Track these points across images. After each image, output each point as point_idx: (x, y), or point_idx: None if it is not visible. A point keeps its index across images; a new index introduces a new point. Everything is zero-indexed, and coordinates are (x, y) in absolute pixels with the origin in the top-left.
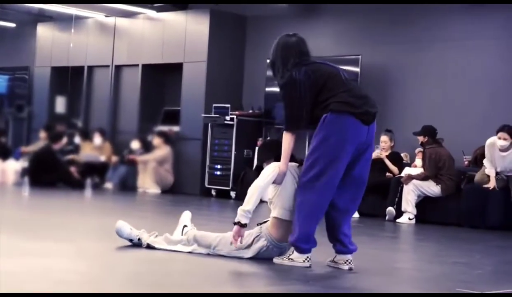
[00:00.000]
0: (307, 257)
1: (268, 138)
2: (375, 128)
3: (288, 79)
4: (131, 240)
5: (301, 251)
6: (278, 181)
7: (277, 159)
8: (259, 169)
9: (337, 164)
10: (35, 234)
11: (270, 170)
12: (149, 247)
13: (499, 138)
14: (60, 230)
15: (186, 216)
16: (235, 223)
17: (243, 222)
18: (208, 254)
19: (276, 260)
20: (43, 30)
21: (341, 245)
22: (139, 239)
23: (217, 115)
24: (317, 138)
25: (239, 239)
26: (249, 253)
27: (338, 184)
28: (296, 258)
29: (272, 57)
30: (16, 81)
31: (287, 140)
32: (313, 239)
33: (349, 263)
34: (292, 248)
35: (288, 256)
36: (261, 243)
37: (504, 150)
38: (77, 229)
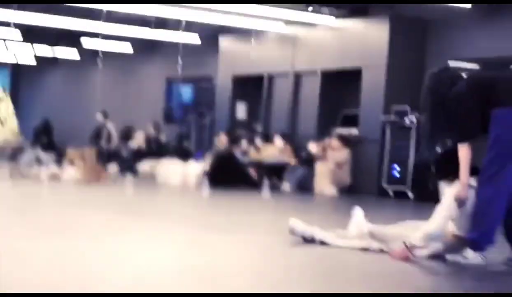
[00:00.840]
0: (482, 255)
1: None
2: None
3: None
4: (304, 238)
5: (476, 248)
6: (461, 202)
7: (457, 171)
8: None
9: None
10: (213, 229)
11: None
12: (322, 243)
13: None
14: (238, 226)
15: (358, 213)
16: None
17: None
18: (382, 250)
19: (449, 257)
20: (225, 42)
21: None
22: (312, 237)
23: (397, 117)
24: (491, 137)
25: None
26: (424, 252)
27: None
28: (471, 256)
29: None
30: (200, 91)
31: (463, 153)
32: (492, 238)
33: None
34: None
35: (464, 254)
36: (438, 244)
37: None
38: (255, 225)
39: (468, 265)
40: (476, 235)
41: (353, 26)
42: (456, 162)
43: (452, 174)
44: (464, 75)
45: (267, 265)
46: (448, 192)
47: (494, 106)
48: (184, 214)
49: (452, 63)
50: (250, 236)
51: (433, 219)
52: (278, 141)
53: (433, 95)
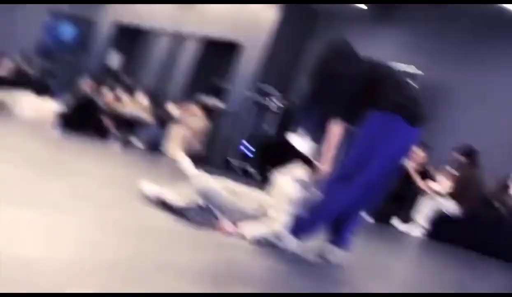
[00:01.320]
0: (306, 244)
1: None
2: (419, 134)
3: (346, 72)
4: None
5: (297, 230)
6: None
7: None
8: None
9: (374, 162)
10: (54, 175)
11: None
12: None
13: None
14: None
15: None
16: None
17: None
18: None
19: (270, 239)
20: None
21: (339, 237)
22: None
23: (262, 97)
24: (360, 134)
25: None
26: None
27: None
28: (290, 240)
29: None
30: (81, 32)
31: (336, 131)
32: (314, 230)
33: (337, 256)
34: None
35: (284, 235)
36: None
37: None
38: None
39: (286, 250)
40: (304, 219)
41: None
42: (281, 152)
43: (278, 163)
44: (360, 57)
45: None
46: (282, 180)
47: (376, 102)
48: (28, 151)
49: None
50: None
51: (275, 216)
52: (141, 97)
53: (326, 64)
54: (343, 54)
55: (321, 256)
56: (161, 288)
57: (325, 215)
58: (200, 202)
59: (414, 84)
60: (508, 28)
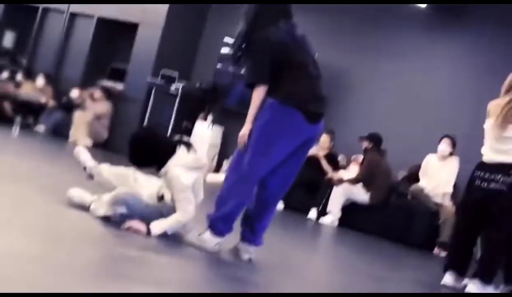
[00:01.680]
0: (219, 242)
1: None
2: (322, 127)
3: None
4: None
5: (216, 232)
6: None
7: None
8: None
9: (272, 151)
10: None
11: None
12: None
13: (441, 143)
14: None
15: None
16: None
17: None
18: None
19: (187, 237)
20: None
21: (252, 234)
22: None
23: (163, 82)
24: (260, 121)
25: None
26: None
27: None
28: (208, 240)
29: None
30: None
31: (259, 94)
32: (231, 224)
33: (251, 254)
34: (204, 227)
35: (200, 234)
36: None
37: (442, 158)
38: None
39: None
40: (216, 216)
41: None
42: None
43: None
44: (282, 25)
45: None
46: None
47: (281, 91)
48: None
49: (228, 40)
50: None
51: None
52: (40, 80)
53: (248, 26)
54: (266, 18)
55: (235, 254)
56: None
57: (236, 204)
58: (120, 210)
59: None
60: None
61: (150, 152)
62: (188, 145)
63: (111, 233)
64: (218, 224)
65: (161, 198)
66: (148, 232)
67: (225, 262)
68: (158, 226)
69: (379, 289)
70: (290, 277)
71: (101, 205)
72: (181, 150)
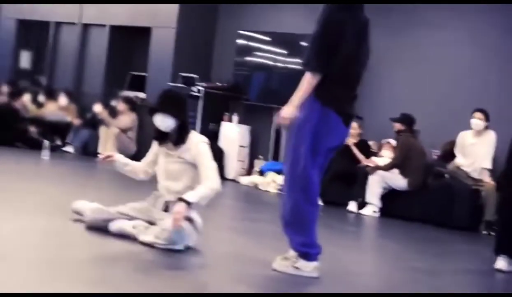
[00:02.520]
0: (315, 265)
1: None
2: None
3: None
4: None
5: (309, 258)
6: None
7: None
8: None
9: (317, 158)
10: None
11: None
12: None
13: (474, 118)
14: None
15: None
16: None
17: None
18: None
19: (278, 266)
20: None
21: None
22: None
23: (184, 85)
24: (307, 124)
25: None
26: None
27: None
28: (303, 267)
29: None
30: None
31: (311, 81)
32: (317, 243)
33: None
34: (294, 254)
35: (293, 264)
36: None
37: (476, 133)
38: (26, 200)
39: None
40: (301, 242)
41: None
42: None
43: None
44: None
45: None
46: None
47: (325, 94)
48: None
49: (242, 33)
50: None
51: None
52: (62, 98)
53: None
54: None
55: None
56: None
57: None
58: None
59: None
60: None
61: (180, 109)
62: None
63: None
64: (307, 249)
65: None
66: (188, 203)
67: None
68: (193, 196)
69: (438, 288)
70: (344, 281)
71: (147, 232)
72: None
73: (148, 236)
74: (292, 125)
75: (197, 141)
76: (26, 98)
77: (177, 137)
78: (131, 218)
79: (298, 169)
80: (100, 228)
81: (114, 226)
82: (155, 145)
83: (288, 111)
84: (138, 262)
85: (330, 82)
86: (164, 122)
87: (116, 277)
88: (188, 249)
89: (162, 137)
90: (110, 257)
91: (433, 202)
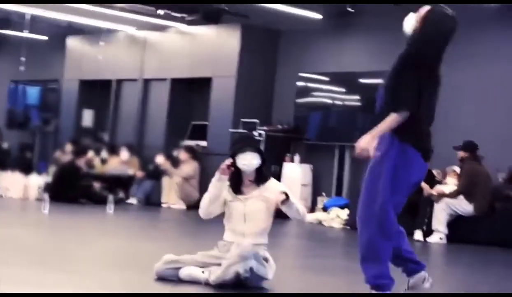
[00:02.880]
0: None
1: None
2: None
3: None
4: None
5: (382, 289)
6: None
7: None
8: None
9: (396, 195)
10: (49, 263)
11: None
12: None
13: None
14: (74, 259)
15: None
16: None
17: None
18: None
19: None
20: (72, 43)
21: (412, 263)
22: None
23: (245, 131)
24: (387, 162)
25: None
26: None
27: None
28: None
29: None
30: (46, 94)
31: (397, 121)
32: (391, 276)
33: (428, 279)
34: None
35: None
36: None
37: None
38: (95, 256)
39: None
40: (373, 274)
41: (205, 33)
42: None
43: None
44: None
45: None
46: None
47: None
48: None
49: (302, 75)
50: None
51: None
52: (124, 152)
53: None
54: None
55: (414, 287)
56: None
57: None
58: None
59: None
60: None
61: (260, 149)
62: None
63: None
64: (381, 280)
65: None
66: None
67: None
68: (292, 197)
69: None
70: None
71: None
72: None
73: (216, 272)
74: (369, 159)
75: (272, 180)
76: (91, 155)
77: (261, 176)
78: (203, 264)
79: (375, 205)
80: (169, 278)
81: (183, 273)
82: (224, 191)
83: (366, 141)
84: None
85: (410, 118)
86: (254, 159)
87: None
88: (261, 289)
89: (239, 180)
90: None
91: (501, 225)
